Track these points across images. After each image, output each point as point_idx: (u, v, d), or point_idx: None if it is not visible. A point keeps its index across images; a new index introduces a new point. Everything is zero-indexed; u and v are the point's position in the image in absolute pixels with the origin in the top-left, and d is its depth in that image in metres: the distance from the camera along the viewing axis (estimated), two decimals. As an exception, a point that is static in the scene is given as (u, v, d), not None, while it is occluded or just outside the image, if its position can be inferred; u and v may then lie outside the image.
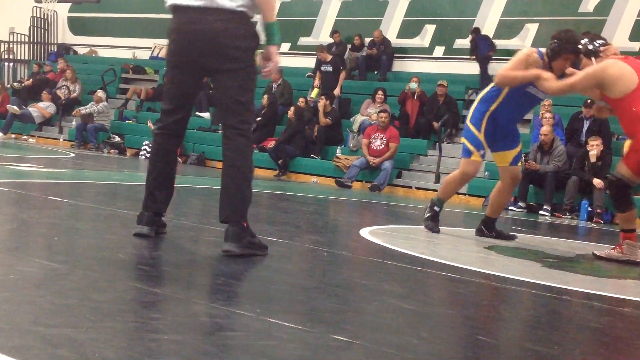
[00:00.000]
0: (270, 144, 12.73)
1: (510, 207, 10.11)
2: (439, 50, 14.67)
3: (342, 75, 13.93)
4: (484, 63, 13.46)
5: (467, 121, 5.12)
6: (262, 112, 13.38)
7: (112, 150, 14.45)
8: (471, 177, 5.36)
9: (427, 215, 5.25)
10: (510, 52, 13.82)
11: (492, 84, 5.07)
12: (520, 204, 10.09)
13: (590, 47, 4.82)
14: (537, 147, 10.33)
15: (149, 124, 14.35)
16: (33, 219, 3.92)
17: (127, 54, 18.86)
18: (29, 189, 5.41)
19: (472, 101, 12.80)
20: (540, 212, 9.79)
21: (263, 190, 8.76)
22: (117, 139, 14.87)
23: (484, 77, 12.89)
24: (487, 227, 5.36)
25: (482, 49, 13.47)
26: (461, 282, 3.40)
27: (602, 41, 4.94)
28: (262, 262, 3.24)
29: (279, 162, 12.38)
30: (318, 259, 3.69)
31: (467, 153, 5.10)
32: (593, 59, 4.78)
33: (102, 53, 19.42)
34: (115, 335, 1.88)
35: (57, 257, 2.84)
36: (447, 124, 12.49)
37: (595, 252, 4.85)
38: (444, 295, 3.15)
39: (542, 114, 11.08)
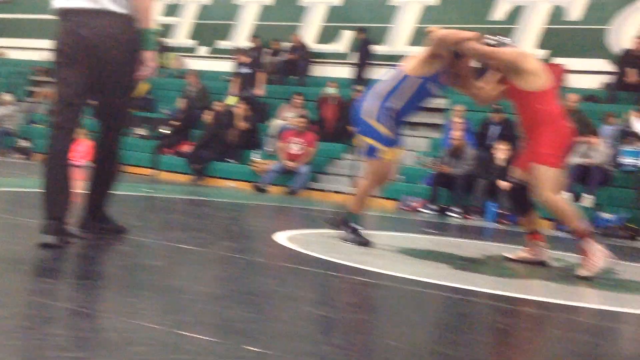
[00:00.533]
0: (186, 148, 12.56)
1: (423, 209, 10.35)
2: (355, 56, 14.86)
3: (262, 76, 13.95)
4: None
5: (364, 117, 4.64)
6: (178, 116, 13.19)
7: (19, 156, 13.90)
8: (385, 179, 4.87)
9: (347, 233, 4.75)
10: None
11: (389, 74, 4.75)
12: (432, 206, 10.33)
13: (496, 43, 4.76)
14: (448, 151, 10.61)
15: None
16: None
17: (37, 57, 18.18)
18: None
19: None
20: (450, 213, 10.05)
21: (179, 195, 8.64)
22: (25, 143, 14.31)
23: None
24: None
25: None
26: (373, 286, 3.45)
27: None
28: (174, 271, 3.19)
29: (196, 166, 12.22)
30: (232, 266, 3.66)
31: (374, 152, 4.65)
32: None
33: (12, 55, 18.66)
34: (14, 353, 1.80)
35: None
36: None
37: (505, 254, 5.00)
38: (356, 300, 3.19)
39: (453, 119, 11.40)
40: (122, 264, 3.29)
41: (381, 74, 4.76)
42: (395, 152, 4.77)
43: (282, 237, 4.75)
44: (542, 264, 4.77)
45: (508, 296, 3.54)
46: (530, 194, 4.70)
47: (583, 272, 4.28)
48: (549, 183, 4.45)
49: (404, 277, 3.75)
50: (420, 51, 4.66)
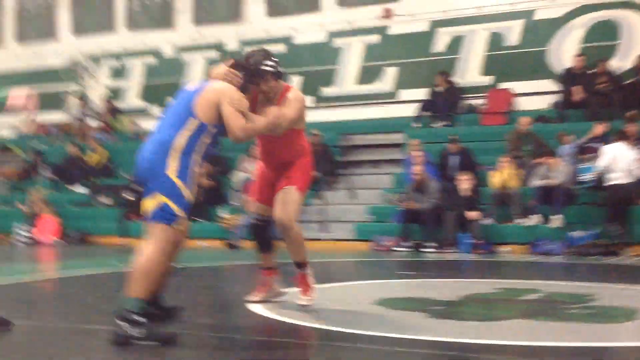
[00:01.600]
0: (152, 212, 12.46)
1: (397, 248, 10.41)
2: (308, 100, 14.99)
3: None
4: None
5: (171, 175, 3.74)
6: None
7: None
8: (176, 252, 3.99)
9: (134, 332, 3.55)
10: (372, 96, 14.42)
11: (187, 126, 3.85)
12: (405, 243, 10.40)
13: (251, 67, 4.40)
14: (412, 186, 10.72)
15: (19, 205, 13.70)
16: None
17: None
18: None
19: (348, 147, 13.29)
20: (423, 249, 10.12)
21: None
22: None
23: None
24: (155, 306, 4.07)
25: None
26: (356, 350, 3.46)
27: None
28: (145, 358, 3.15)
29: (163, 229, 12.11)
30: (207, 348, 3.63)
31: (173, 219, 3.75)
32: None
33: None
34: None
35: None
36: (326, 172, 12.73)
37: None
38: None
39: (412, 153, 11.53)
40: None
41: (163, 112, 4.10)
42: (187, 222, 4.00)
43: (258, 304, 4.74)
44: (281, 295, 4.96)
45: (490, 345, 3.57)
46: (270, 230, 4.83)
47: (303, 301, 4.69)
48: (295, 207, 4.62)
49: (391, 337, 3.72)
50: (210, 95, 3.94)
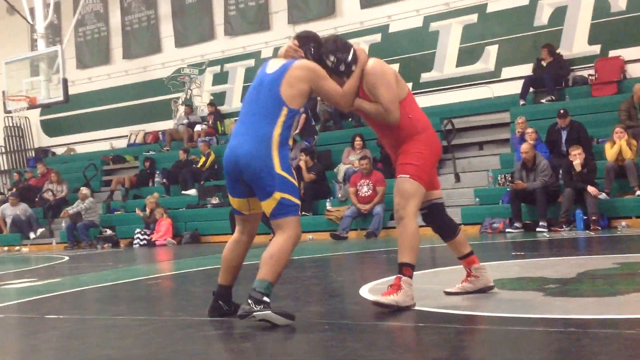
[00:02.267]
0: (260, 209, 12.72)
1: (508, 230, 10.12)
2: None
3: (302, 118, 14.05)
4: None
5: (279, 170, 3.79)
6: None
7: (106, 245, 14.41)
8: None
9: (258, 309, 3.69)
10: (474, 77, 14.06)
11: (284, 111, 3.87)
12: (517, 224, 10.09)
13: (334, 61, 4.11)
14: (520, 165, 10.38)
15: (138, 211, 14.35)
16: (29, 346, 3.87)
17: (104, 146, 18.99)
18: (25, 311, 5.36)
19: (449, 131, 13.05)
20: (537, 229, 9.79)
21: (259, 260, 8.72)
22: (109, 232, 14.85)
23: None
24: (225, 300, 4.11)
25: None
26: (467, 332, 3.36)
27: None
28: (258, 345, 3.20)
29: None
30: (319, 333, 3.64)
31: (295, 209, 3.86)
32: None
33: (80, 149, 19.54)
34: None
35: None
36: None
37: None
38: (447, 353, 3.10)
39: (520, 131, 11.18)
40: (221, 347, 3.31)
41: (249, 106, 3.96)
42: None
43: (367, 290, 4.71)
44: (490, 288, 4.35)
45: (604, 319, 3.38)
46: (442, 214, 4.32)
47: (378, 298, 3.98)
48: (408, 198, 4.04)
49: (499, 317, 3.63)
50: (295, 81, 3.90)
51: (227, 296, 4.10)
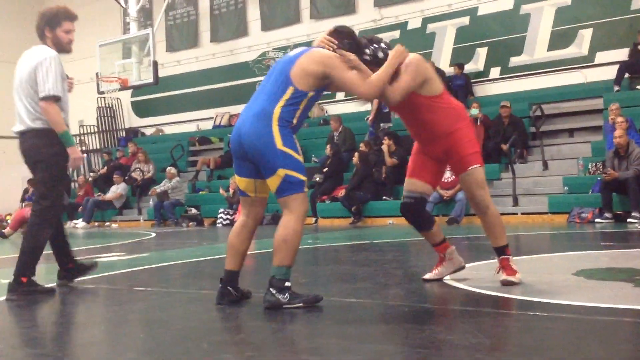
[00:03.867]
0: (341, 192, 12.76)
1: (597, 220, 9.78)
2: (494, 72, 14.49)
3: (375, 103, 13.96)
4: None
5: (281, 146, 3.75)
6: (327, 162, 13.47)
7: (191, 223, 14.81)
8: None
9: (284, 299, 3.75)
10: (566, 62, 13.57)
11: (289, 90, 3.83)
12: (607, 214, 9.73)
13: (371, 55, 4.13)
14: (612, 153, 9.99)
15: (221, 191, 14.67)
16: (118, 315, 4.03)
17: (191, 128, 19.47)
18: (114, 282, 5.57)
19: (538, 117, 12.67)
20: (629, 220, 9.41)
21: (340, 243, 8.76)
22: (194, 211, 15.25)
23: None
24: (233, 286, 4.03)
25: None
26: (552, 320, 3.27)
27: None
28: (339, 328, 3.21)
29: (352, 209, 12.38)
30: (400, 316, 3.63)
31: (300, 186, 3.80)
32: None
33: (168, 130, 20.10)
34: None
35: (144, 358, 2.91)
36: (516, 144, 12.25)
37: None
38: (533, 341, 3.02)
39: (612, 118, 10.75)
40: (305, 331, 3.35)
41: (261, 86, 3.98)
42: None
43: (449, 275, 4.65)
44: (461, 267, 4.60)
45: None
46: (424, 207, 4.48)
47: (512, 279, 4.23)
48: (484, 186, 4.29)
49: (591, 307, 3.51)
50: (309, 64, 3.85)
51: (235, 282, 4.03)
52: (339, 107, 16.35)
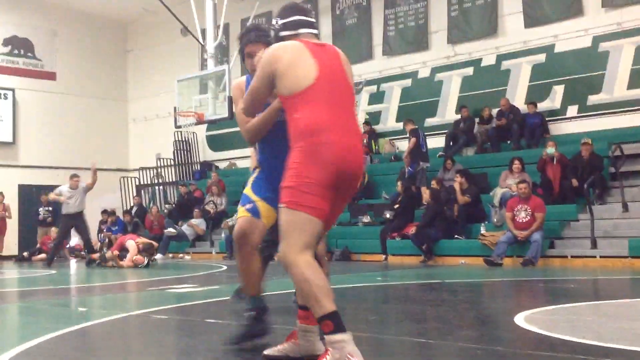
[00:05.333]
0: (412, 229, 12.64)
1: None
2: (572, 110, 14.18)
3: (412, 142, 14.11)
4: None
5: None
6: (398, 199, 13.39)
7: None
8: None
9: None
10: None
11: None
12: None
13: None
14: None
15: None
16: (189, 346, 4.08)
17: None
18: (187, 314, 5.66)
19: (618, 157, 12.26)
20: None
21: (411, 281, 8.65)
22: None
23: None
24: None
25: None
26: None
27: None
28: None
29: (423, 247, 12.23)
30: (471, 359, 3.54)
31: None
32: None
33: (241, 164, 20.44)
34: None
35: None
36: (595, 184, 11.88)
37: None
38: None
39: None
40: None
41: None
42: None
43: (522, 318, 4.52)
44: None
45: None
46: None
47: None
48: (289, 233, 3.00)
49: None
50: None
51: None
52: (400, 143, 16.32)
